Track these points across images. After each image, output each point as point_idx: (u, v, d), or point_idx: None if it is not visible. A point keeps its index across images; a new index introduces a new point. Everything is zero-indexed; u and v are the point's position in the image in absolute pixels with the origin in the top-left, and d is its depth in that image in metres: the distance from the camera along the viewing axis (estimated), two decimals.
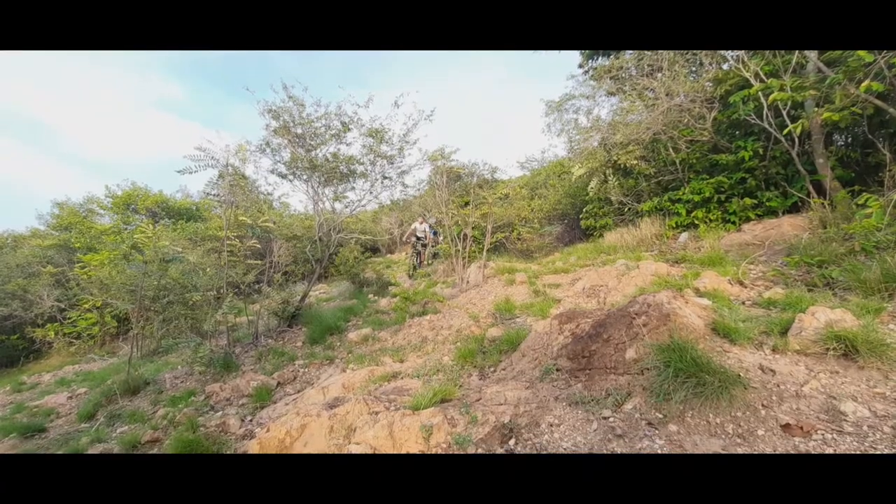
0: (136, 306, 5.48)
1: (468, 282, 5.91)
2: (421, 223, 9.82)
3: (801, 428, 1.40)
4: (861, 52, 3.22)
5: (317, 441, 2.02)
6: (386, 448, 1.68)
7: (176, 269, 5.17)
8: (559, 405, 1.92)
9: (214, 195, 10.05)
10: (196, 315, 5.56)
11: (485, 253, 6.32)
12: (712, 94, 5.49)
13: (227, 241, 5.31)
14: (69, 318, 10.63)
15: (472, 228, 7.59)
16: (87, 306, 10.23)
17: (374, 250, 16.58)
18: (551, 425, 1.80)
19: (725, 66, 5.84)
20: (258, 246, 6.03)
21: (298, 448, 2.06)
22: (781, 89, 4.05)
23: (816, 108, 3.87)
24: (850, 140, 5.05)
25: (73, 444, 3.22)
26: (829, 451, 1.31)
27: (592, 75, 8.49)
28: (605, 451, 1.55)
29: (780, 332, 1.97)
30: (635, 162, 6.49)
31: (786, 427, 1.42)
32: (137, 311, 5.60)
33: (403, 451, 1.67)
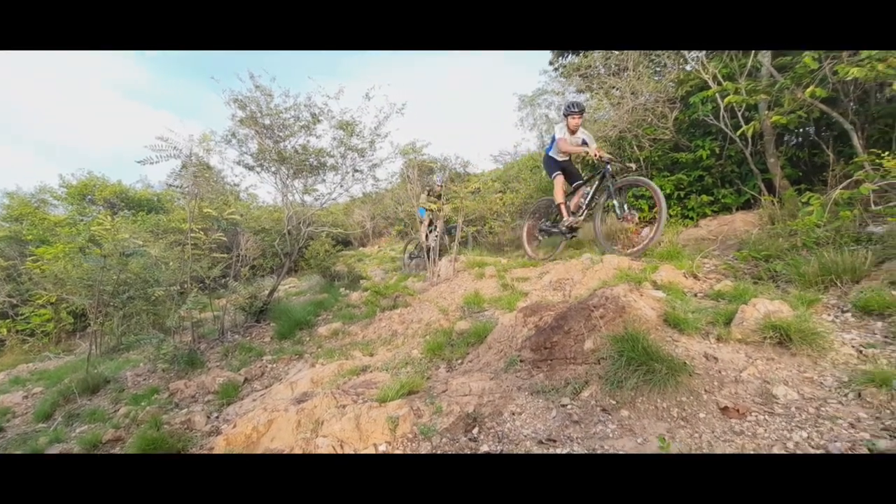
0: (94, 302, 5.28)
1: (439, 275, 5.97)
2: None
3: (738, 410, 1.52)
4: (807, 60, 3.42)
5: (284, 436, 2.03)
6: (353, 440, 1.72)
7: (137, 264, 5.01)
8: (522, 394, 2.00)
9: (177, 186, 9.72)
10: (158, 311, 5.41)
11: (456, 247, 6.38)
12: (674, 94, 5.70)
13: (192, 234, 5.17)
14: (22, 315, 10.10)
15: (444, 222, 7.63)
16: (40, 302, 9.75)
17: (346, 243, 16.42)
18: (513, 414, 1.88)
19: (688, 68, 6.06)
20: (224, 239, 5.90)
21: (265, 443, 2.08)
22: (736, 92, 4.26)
23: (767, 111, 4.09)
24: (799, 141, 5.35)
25: (31, 444, 3.13)
26: (762, 431, 1.43)
27: (562, 73, 8.65)
28: (565, 437, 1.64)
29: (725, 323, 2.12)
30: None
31: (724, 410, 1.54)
32: (95, 307, 5.41)
33: (370, 443, 1.71)
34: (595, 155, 4.45)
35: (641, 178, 4.42)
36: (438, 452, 1.66)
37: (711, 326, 2.16)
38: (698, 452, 1.37)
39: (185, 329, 5.43)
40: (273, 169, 5.43)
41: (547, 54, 10.36)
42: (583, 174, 5.46)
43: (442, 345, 2.99)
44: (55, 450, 3.00)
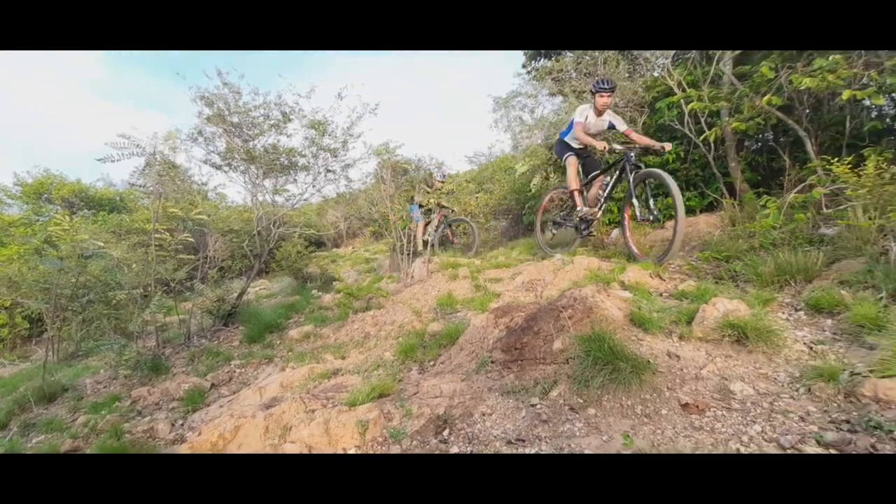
0: (52, 306, 5.04)
1: (413, 276, 5.96)
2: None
3: (697, 406, 1.58)
4: (764, 69, 3.58)
5: (251, 442, 1.99)
6: (321, 445, 1.69)
7: (97, 266, 4.80)
8: (492, 395, 2.02)
9: (140, 186, 9.35)
10: (120, 315, 5.21)
11: (429, 248, 6.38)
12: (642, 99, 5.86)
13: (156, 235, 4.99)
14: None
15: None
16: None
17: (319, 244, 16.17)
18: (484, 414, 1.90)
19: (655, 74, 6.25)
20: (191, 240, 5.72)
21: (232, 450, 2.02)
22: (699, 99, 4.42)
23: (728, 118, 4.26)
24: (758, 146, 5.59)
25: None
26: (720, 426, 1.49)
27: (535, 76, 8.77)
28: (533, 436, 1.66)
29: (687, 322, 2.19)
30: None
31: (685, 406, 1.60)
32: (53, 312, 5.16)
33: (339, 447, 1.69)
34: (603, 149, 3.95)
35: (654, 169, 3.86)
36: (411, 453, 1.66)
37: (674, 325, 2.23)
38: (662, 452, 1.41)
39: (148, 334, 5.24)
40: (242, 168, 5.30)
41: (517, 56, 10.46)
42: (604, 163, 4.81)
43: (414, 346, 2.98)
44: None
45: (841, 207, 3.09)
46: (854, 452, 1.24)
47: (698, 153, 5.22)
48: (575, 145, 4.66)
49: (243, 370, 3.89)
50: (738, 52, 4.60)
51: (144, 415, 3.24)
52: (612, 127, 4.43)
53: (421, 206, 7.75)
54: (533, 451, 1.57)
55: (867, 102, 3.60)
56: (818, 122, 4.41)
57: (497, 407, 1.93)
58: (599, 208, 4.49)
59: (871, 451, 1.21)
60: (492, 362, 2.26)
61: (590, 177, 4.73)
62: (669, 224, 5.26)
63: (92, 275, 4.93)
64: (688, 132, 4.87)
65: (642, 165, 3.99)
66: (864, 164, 3.09)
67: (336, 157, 6.21)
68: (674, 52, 5.54)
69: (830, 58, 3.09)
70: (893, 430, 1.26)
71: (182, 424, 2.89)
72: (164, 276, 5.03)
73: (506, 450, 1.62)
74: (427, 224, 7.83)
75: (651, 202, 3.86)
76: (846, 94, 2.99)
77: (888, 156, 3.11)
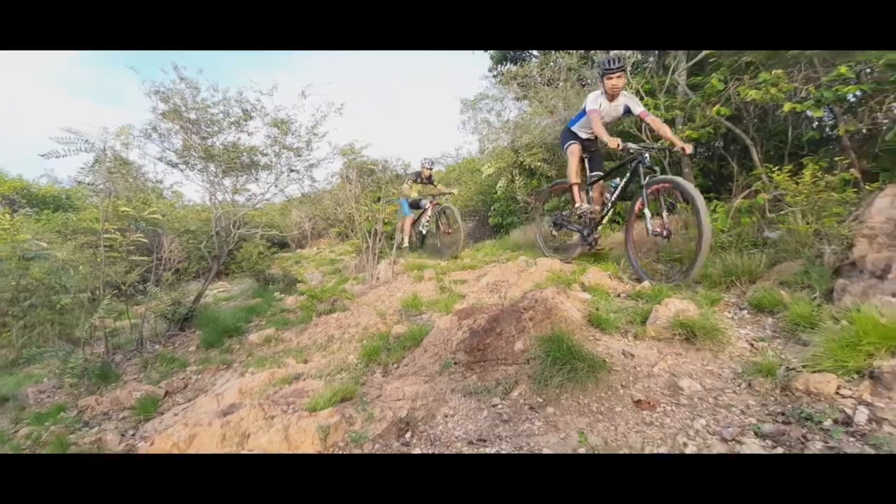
0: None
1: (378, 278, 5.92)
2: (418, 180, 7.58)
3: (649, 403, 1.65)
4: (714, 81, 3.78)
5: (207, 451, 1.92)
6: (281, 452, 1.66)
7: (40, 268, 4.51)
8: (455, 396, 2.03)
9: (88, 183, 8.86)
10: (65, 320, 4.91)
11: (395, 250, 6.36)
12: None
13: (105, 235, 4.74)
14: None
15: (385, 224, 7.53)
16: None
17: (283, 245, 15.75)
18: (446, 416, 1.91)
19: None
20: (145, 241, 5.47)
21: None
22: (655, 108, 4.62)
23: (682, 126, 4.46)
24: (710, 153, 5.89)
25: None
26: (669, 420, 1.56)
27: (501, 80, 8.89)
28: (494, 436, 1.69)
29: (641, 322, 2.28)
30: (539, 164, 6.93)
31: (637, 403, 1.67)
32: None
33: (300, 453, 1.66)
34: (616, 147, 3.46)
35: (674, 178, 3.33)
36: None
37: (630, 325, 2.32)
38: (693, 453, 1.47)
39: (97, 339, 4.96)
40: (199, 167, 5.11)
41: (485, 58, 10.57)
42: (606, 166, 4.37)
43: (378, 349, 2.96)
44: None
45: (782, 212, 3.30)
46: (789, 442, 1.33)
47: (655, 157, 5.45)
48: (583, 135, 4.18)
49: (200, 377, 3.75)
50: (692, 62, 4.83)
51: (92, 425, 3.07)
52: (628, 111, 3.87)
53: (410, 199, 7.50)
54: (493, 451, 1.59)
55: (808, 114, 3.85)
56: (764, 131, 4.69)
57: (460, 408, 1.95)
58: (606, 212, 4.06)
59: (802, 440, 1.31)
60: (455, 364, 2.28)
61: (591, 178, 4.28)
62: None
63: (34, 277, 4.62)
64: (644, 138, 5.07)
65: (657, 170, 3.52)
66: (803, 172, 3.32)
67: (300, 156, 6.08)
68: (633, 61, 5.75)
69: (773, 72, 3.30)
70: (822, 421, 1.36)
71: (133, 434, 2.75)
72: (114, 279, 4.79)
73: (467, 450, 1.64)
74: (419, 216, 7.60)
75: (665, 215, 3.33)
76: (787, 107, 3.20)
77: (823, 164, 3.35)
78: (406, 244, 7.40)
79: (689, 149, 3.29)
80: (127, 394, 3.30)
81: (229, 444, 1.90)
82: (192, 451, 1.97)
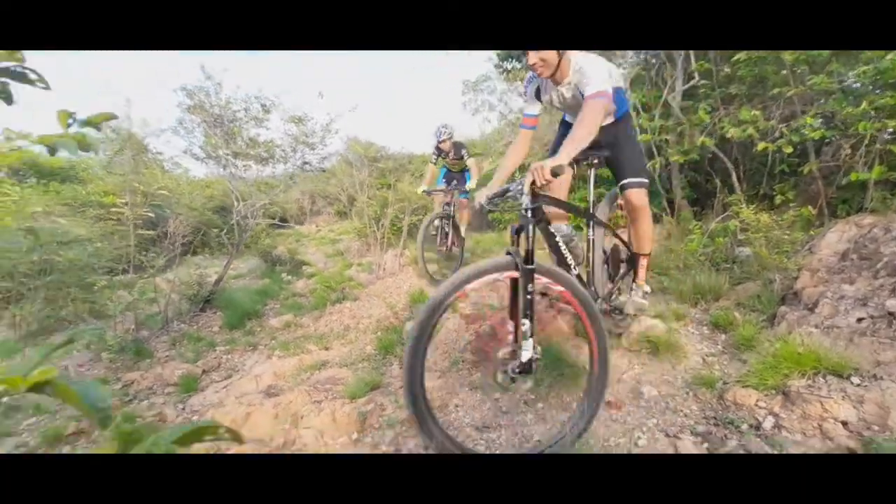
0: (14, 283, 5.09)
1: (384, 269, 6.33)
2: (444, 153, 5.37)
3: (616, 405, 2.13)
4: (701, 114, 4.18)
5: (262, 427, 2.39)
6: (331, 431, 2.13)
7: (76, 252, 4.89)
8: (463, 390, 2.51)
9: (91, 155, 9.08)
10: (94, 298, 5.31)
11: (403, 240, 6.74)
12: None
13: (114, 209, 5.16)
14: None
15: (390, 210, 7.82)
16: None
17: (283, 220, 16.01)
18: (457, 406, 2.39)
19: None
20: (151, 215, 5.83)
21: (245, 433, 2.42)
22: (650, 121, 5.00)
23: (671, 149, 4.86)
24: (697, 168, 6.33)
25: None
26: (630, 419, 2.05)
27: (506, 77, 9.18)
28: (496, 424, 2.17)
29: (618, 334, 2.76)
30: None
31: (608, 404, 2.15)
32: (16, 290, 5.23)
33: (345, 433, 2.14)
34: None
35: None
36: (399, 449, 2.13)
37: (609, 336, 2.80)
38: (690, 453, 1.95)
39: (125, 317, 5.38)
40: (223, 162, 5.47)
41: None
42: None
43: (393, 343, 3.42)
44: (8, 444, 3.07)
45: (748, 234, 3.76)
46: (714, 440, 1.81)
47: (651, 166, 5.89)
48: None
49: (229, 357, 4.21)
50: (687, 86, 5.19)
51: (140, 399, 3.52)
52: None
53: (451, 170, 5.68)
54: (495, 436, 2.08)
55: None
56: (746, 154, 5.13)
57: (467, 400, 2.43)
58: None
59: (723, 439, 1.79)
60: (463, 362, 2.76)
61: None
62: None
63: (67, 259, 5.01)
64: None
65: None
66: (774, 201, 3.78)
67: (314, 150, 6.43)
68: (633, 75, 6.10)
69: (752, 112, 3.71)
70: (740, 426, 1.85)
71: (183, 408, 3.21)
72: (136, 257, 5.15)
73: (475, 435, 2.12)
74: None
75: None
76: (761, 146, 3.63)
77: (791, 196, 3.81)
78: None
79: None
80: (170, 371, 3.75)
81: (282, 423, 2.37)
82: (247, 427, 2.44)
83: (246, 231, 5.92)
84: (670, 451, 1.79)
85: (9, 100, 0.59)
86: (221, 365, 4.04)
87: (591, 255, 2.53)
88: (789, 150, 3.73)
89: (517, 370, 1.82)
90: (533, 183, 1.80)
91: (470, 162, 5.40)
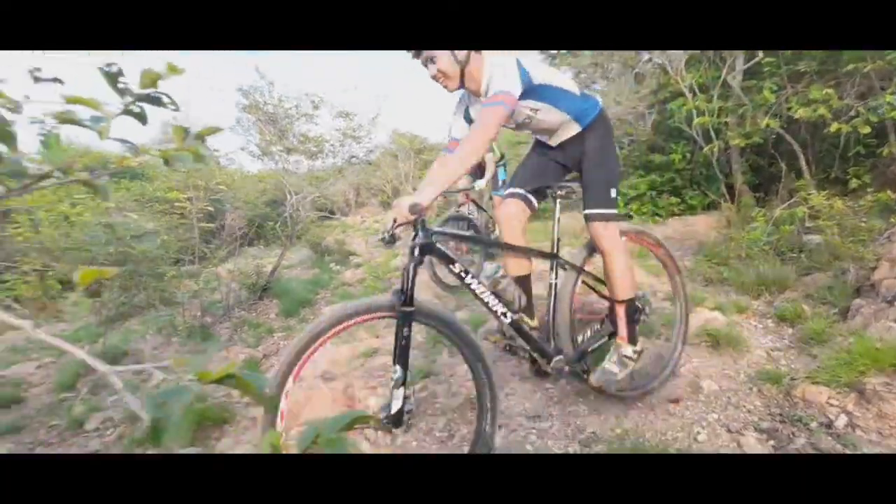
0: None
1: None
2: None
3: (675, 399, 2.09)
4: (766, 94, 3.91)
5: (322, 410, 2.52)
6: None
7: (149, 244, 5.30)
8: (514, 380, 2.54)
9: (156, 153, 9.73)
10: (164, 286, 5.74)
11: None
12: (654, 100, 6.15)
13: (178, 204, 5.50)
14: (5, 282, 10.10)
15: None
16: (25, 268, 9.77)
17: (331, 212, 16.48)
18: (507, 395, 2.42)
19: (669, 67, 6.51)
20: (210, 209, 6.17)
21: (305, 415, 2.56)
22: (708, 102, 4.73)
23: (731, 131, 4.59)
24: (760, 150, 5.94)
25: (65, 414, 3.42)
26: (688, 413, 2.00)
27: (552, 62, 8.96)
28: (547, 414, 2.18)
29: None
30: None
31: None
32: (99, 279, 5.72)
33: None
34: None
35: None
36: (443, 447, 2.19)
37: (664, 328, 2.72)
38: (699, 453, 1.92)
39: (190, 304, 5.79)
40: (277, 158, 5.71)
41: None
42: None
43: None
44: (97, 419, 3.39)
45: (819, 222, 3.51)
46: (780, 438, 1.74)
47: (704, 154, 5.58)
48: None
49: (286, 342, 4.44)
50: (750, 63, 4.87)
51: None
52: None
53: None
54: (547, 425, 2.09)
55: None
56: (815, 136, 4.76)
57: (518, 389, 2.45)
58: None
59: (791, 437, 1.72)
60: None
61: None
62: (671, 221, 5.66)
63: (141, 251, 5.43)
64: (694, 135, 5.21)
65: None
66: (848, 182, 3.50)
67: (360, 143, 6.58)
68: (687, 54, 5.78)
69: (824, 91, 3.43)
70: (809, 424, 1.76)
71: None
72: (189, 246, 5.50)
73: (526, 423, 2.14)
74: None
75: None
76: (834, 128, 3.36)
77: (867, 180, 3.52)
78: None
79: None
80: (234, 354, 4.02)
81: (340, 406, 2.49)
82: (308, 409, 2.58)
83: (298, 223, 6.17)
84: (732, 446, 1.74)
85: (144, 121, 0.66)
86: (280, 350, 4.27)
87: (553, 303, 2.04)
88: (866, 130, 3.44)
89: (386, 421, 1.58)
90: (395, 221, 1.54)
91: (488, 157, 4.71)
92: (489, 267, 2.22)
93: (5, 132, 0.54)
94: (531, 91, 1.69)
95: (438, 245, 1.65)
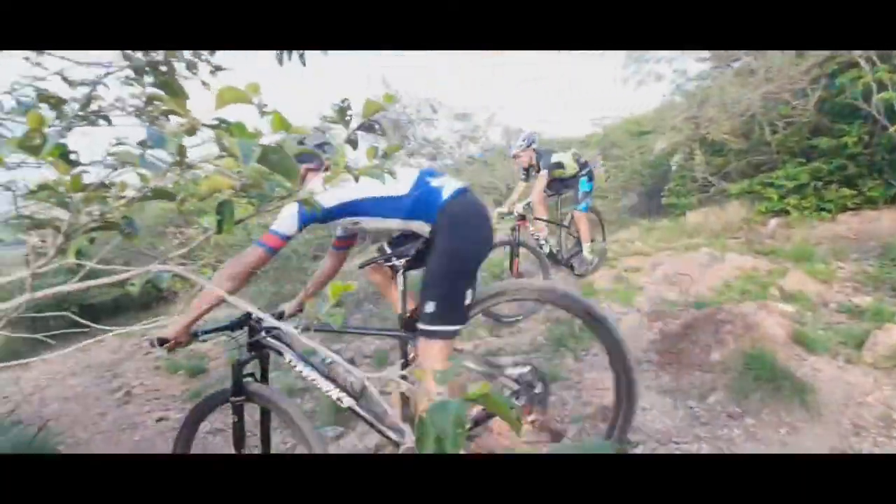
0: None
1: None
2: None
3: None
4: None
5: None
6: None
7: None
8: (650, 393, 2.37)
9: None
10: (306, 279, 6.50)
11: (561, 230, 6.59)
12: (818, 73, 5.22)
13: None
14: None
15: None
16: (203, 262, 11.85)
17: None
18: (643, 409, 2.26)
19: None
20: None
21: None
22: (891, 71, 3.87)
23: None
24: None
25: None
26: (876, 449, 1.68)
27: None
28: (693, 436, 2.00)
29: (856, 346, 2.26)
30: (726, 136, 6.29)
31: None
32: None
33: (529, 419, 2.23)
34: None
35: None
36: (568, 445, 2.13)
37: (841, 347, 2.31)
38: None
39: (327, 296, 6.48)
40: (400, 162, 6.08)
41: None
42: None
43: (565, 335, 3.39)
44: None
45: None
46: None
47: (887, 136, 4.59)
48: None
49: None
50: None
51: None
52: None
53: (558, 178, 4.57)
54: (694, 448, 1.92)
55: None
56: None
57: (655, 403, 2.28)
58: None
59: None
60: (647, 362, 2.60)
61: None
62: (842, 217, 4.76)
63: (290, 249, 6.21)
64: (875, 114, 4.31)
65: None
66: None
67: (476, 142, 6.69)
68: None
69: None
70: None
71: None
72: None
73: (662, 449, 1.99)
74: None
75: None
76: None
77: None
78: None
79: None
80: (366, 345, 4.40)
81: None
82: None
83: None
84: None
85: (355, 146, 0.76)
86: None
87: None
88: None
89: None
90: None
91: (543, 173, 4.27)
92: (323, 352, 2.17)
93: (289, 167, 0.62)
94: (339, 210, 1.63)
95: (269, 339, 1.71)
